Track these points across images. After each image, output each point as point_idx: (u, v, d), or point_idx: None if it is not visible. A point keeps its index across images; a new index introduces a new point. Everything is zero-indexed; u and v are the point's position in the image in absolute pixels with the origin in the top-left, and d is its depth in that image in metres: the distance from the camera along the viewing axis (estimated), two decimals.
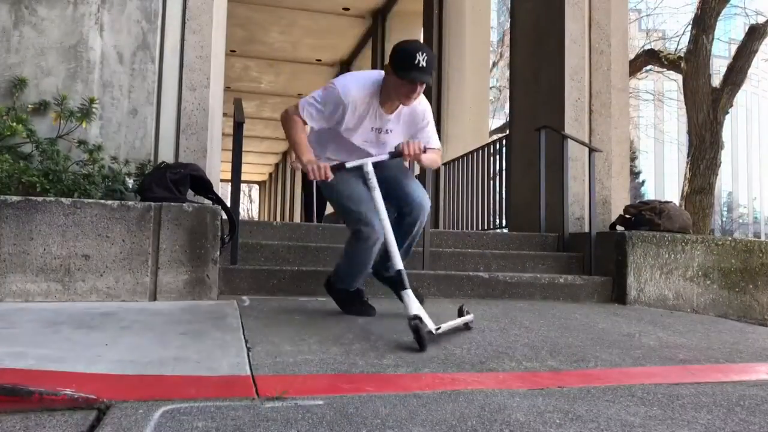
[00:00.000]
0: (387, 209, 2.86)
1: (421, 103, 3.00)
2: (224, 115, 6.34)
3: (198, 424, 1.52)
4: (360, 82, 2.89)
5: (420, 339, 2.44)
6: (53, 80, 3.90)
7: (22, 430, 1.44)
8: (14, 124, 3.57)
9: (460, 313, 2.95)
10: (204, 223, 3.46)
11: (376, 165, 2.90)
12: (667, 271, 4.44)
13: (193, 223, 3.44)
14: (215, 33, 4.41)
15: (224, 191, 4.44)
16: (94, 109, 3.86)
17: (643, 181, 35.14)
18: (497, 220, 6.44)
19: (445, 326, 2.62)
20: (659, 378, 2.27)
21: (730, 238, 4.78)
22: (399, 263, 2.72)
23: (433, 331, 2.52)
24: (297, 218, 16.33)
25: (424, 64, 2.73)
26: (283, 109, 3.00)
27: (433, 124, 3.12)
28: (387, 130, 2.99)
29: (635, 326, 3.40)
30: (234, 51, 12.39)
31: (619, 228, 4.85)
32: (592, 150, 4.94)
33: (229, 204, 3.86)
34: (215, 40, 4.42)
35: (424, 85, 2.80)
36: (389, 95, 2.87)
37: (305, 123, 2.92)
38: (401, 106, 2.93)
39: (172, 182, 3.55)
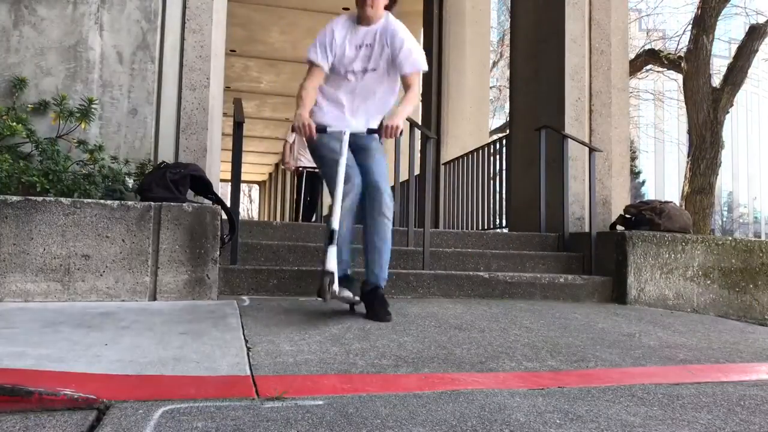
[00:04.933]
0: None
1: (391, 23, 3.58)
2: (224, 115, 6.33)
3: (198, 424, 1.52)
4: (339, 18, 3.71)
5: (323, 291, 2.73)
6: (53, 80, 3.90)
7: (22, 430, 1.44)
8: (14, 124, 3.56)
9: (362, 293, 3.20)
10: (204, 223, 3.46)
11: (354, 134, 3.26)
12: (668, 270, 4.44)
13: (193, 223, 3.44)
14: (215, 33, 4.40)
15: (224, 191, 4.43)
16: (93, 109, 3.85)
17: (643, 181, 35.14)
18: (497, 220, 6.44)
19: (343, 294, 2.96)
20: (659, 378, 2.27)
21: (730, 238, 4.77)
22: (335, 223, 2.93)
23: (336, 292, 2.80)
24: (287, 218, 16.30)
25: None
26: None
27: (413, 42, 3.51)
28: (367, 45, 3.49)
29: (635, 326, 3.40)
30: (234, 51, 12.37)
31: (620, 228, 4.85)
32: (592, 150, 4.94)
33: (229, 204, 3.86)
34: (215, 39, 4.42)
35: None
36: (358, 12, 3.53)
37: (313, 65, 3.45)
38: (376, 25, 3.53)
39: (172, 182, 3.55)
